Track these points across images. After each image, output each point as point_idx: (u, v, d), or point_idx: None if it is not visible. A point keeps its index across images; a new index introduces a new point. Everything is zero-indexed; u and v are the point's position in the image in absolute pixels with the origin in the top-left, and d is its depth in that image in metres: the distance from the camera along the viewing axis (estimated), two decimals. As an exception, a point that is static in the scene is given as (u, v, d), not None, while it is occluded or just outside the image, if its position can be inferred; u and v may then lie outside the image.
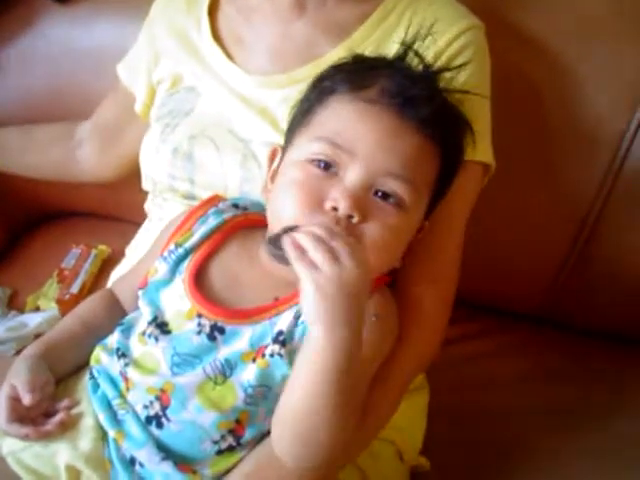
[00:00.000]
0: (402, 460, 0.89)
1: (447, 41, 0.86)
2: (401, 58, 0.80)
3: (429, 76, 0.79)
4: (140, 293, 0.78)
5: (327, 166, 0.71)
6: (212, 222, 0.80)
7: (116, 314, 0.85)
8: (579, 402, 1.08)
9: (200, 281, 0.76)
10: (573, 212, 1.10)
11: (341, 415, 0.63)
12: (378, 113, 0.72)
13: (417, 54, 0.81)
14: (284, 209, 0.72)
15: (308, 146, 0.73)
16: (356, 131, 0.71)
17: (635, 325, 1.19)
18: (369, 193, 0.71)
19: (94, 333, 0.83)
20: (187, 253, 0.78)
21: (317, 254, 0.60)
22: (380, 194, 0.71)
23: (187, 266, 0.77)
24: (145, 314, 0.76)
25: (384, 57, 0.82)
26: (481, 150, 0.86)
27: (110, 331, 0.81)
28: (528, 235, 1.14)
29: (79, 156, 1.23)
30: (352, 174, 0.70)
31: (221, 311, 0.73)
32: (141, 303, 0.77)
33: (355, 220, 0.69)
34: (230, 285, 0.76)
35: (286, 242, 0.62)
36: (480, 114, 0.87)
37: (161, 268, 0.78)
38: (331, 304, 0.59)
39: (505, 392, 1.09)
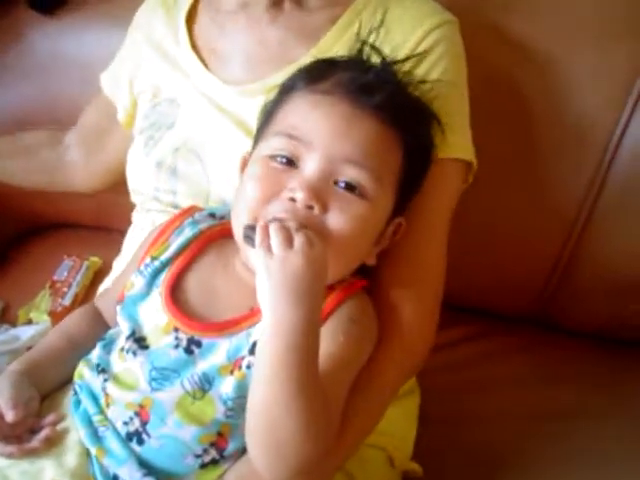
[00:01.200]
0: (393, 466, 0.88)
1: (417, 39, 0.85)
2: (358, 52, 0.80)
3: (385, 67, 0.79)
4: (118, 308, 0.77)
5: (288, 161, 0.71)
6: (188, 233, 0.80)
7: (100, 329, 0.84)
8: (573, 405, 1.07)
9: (176, 294, 0.75)
10: (562, 214, 1.09)
11: (306, 411, 0.61)
12: (332, 102, 0.72)
13: (373, 47, 0.81)
14: (243, 203, 0.72)
15: (268, 142, 0.74)
16: (312, 122, 0.72)
17: (626, 326, 1.18)
18: (329, 183, 0.70)
19: (78, 349, 0.83)
20: (163, 266, 0.78)
21: (273, 239, 0.63)
22: (341, 184, 0.70)
23: (163, 279, 0.77)
24: (124, 329, 0.76)
25: (343, 55, 0.82)
26: (459, 147, 0.85)
27: (94, 346, 0.80)
28: (517, 238, 1.13)
29: (67, 162, 1.22)
30: (310, 164, 0.70)
31: (197, 325, 0.73)
32: (119, 318, 0.77)
33: (316, 211, 0.68)
34: (206, 297, 0.76)
35: (257, 229, 0.65)
36: (454, 109, 0.86)
37: (137, 282, 0.77)
38: (275, 285, 0.61)
39: (498, 396, 1.09)
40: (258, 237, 0.64)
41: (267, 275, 0.61)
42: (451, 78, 0.85)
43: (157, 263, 0.78)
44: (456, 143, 0.84)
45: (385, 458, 0.87)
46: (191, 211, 0.84)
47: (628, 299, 1.14)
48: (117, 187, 1.20)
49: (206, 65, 0.94)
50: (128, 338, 0.74)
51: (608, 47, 1.02)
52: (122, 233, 1.12)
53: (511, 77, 1.04)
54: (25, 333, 1.15)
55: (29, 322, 1.21)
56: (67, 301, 1.24)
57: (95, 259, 1.34)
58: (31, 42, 1.32)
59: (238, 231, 0.72)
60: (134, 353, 0.73)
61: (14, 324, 1.20)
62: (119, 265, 1.01)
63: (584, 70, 1.02)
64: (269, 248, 0.63)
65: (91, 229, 1.45)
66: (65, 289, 1.26)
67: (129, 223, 1.07)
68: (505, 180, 1.08)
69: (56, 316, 1.20)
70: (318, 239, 0.64)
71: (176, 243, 0.79)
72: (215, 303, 0.75)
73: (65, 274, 1.30)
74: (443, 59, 0.85)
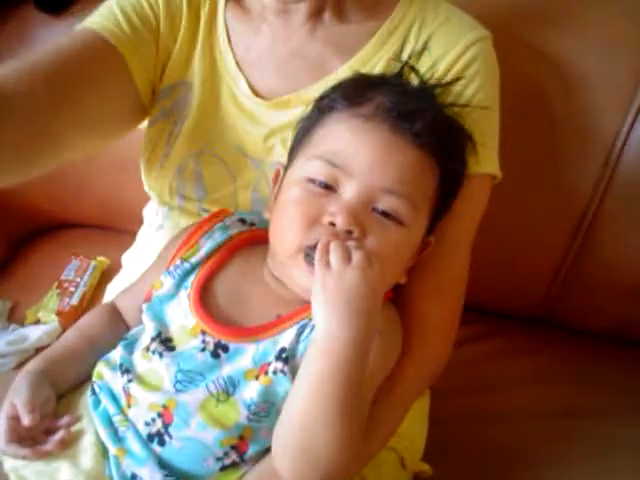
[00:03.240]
0: (404, 467, 0.88)
1: (455, 56, 0.85)
2: (398, 75, 0.81)
3: (424, 91, 0.80)
4: (144, 307, 0.77)
5: (325, 185, 0.72)
6: (218, 238, 0.80)
7: (118, 328, 0.85)
8: (581, 404, 1.08)
9: (205, 297, 0.76)
10: (568, 214, 1.10)
11: (344, 427, 0.62)
12: (373, 129, 0.72)
13: (413, 69, 0.81)
14: (283, 227, 0.73)
15: (306, 165, 0.74)
16: (352, 149, 0.72)
17: (633, 326, 1.19)
18: (367, 209, 0.71)
19: (96, 348, 0.83)
20: (193, 268, 0.78)
21: (332, 255, 0.64)
22: (379, 210, 0.71)
23: (192, 281, 0.77)
24: (149, 329, 0.76)
25: (382, 74, 0.82)
26: (487, 162, 0.86)
27: (112, 346, 0.80)
28: (525, 236, 1.14)
29: None
30: (349, 191, 0.71)
31: (225, 329, 0.73)
32: (145, 317, 0.77)
33: (355, 235, 0.69)
34: (234, 302, 0.76)
35: (318, 246, 0.66)
36: (486, 126, 0.86)
37: (166, 282, 0.78)
38: (330, 299, 0.62)
39: (506, 395, 1.09)
40: (318, 253, 0.65)
41: (323, 289, 0.63)
42: (486, 95, 0.86)
43: (187, 265, 0.78)
44: (485, 159, 0.85)
45: (396, 459, 0.88)
46: (221, 215, 0.84)
47: (635, 298, 1.14)
48: (124, 186, 1.21)
49: (238, 70, 0.91)
50: (154, 339, 0.75)
51: (616, 50, 1.03)
52: (129, 233, 1.13)
53: (522, 80, 1.04)
54: (33, 333, 1.15)
55: (37, 322, 1.20)
56: (75, 301, 1.24)
57: (102, 259, 1.34)
58: (38, 42, 1.32)
59: (284, 251, 0.73)
60: (160, 354, 0.74)
61: (22, 324, 1.20)
62: (132, 263, 1.00)
63: (594, 69, 1.04)
64: (327, 264, 0.64)
65: (98, 229, 1.45)
66: (73, 289, 1.26)
67: (137, 222, 1.07)
68: (512, 178, 1.08)
69: (64, 316, 1.20)
70: (375, 259, 0.65)
71: (206, 247, 0.79)
72: (242, 309, 0.76)
73: (72, 274, 1.30)
74: (479, 76, 0.85)
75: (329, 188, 0.72)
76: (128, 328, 0.84)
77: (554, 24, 1.05)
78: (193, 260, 0.78)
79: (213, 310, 0.75)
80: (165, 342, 0.75)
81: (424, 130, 0.73)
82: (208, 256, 0.79)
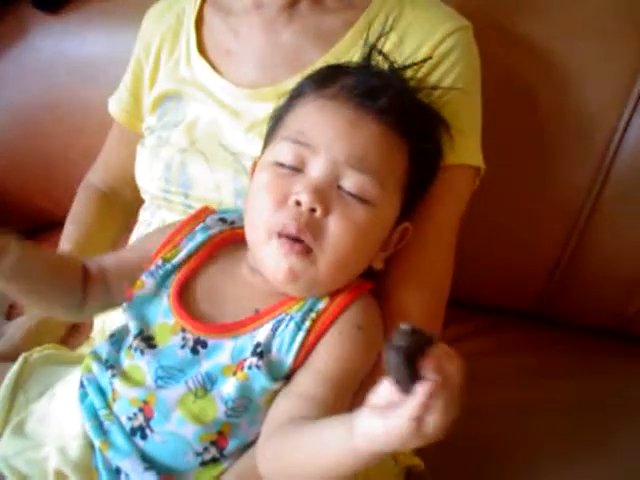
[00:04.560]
0: (396, 461, 0.88)
1: (432, 45, 0.86)
2: (366, 58, 0.81)
3: (394, 73, 0.80)
4: (124, 306, 0.78)
5: (293, 167, 0.72)
6: (199, 238, 0.80)
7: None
8: (577, 400, 1.08)
9: (184, 296, 0.77)
10: (565, 210, 1.11)
11: None
12: (337, 106, 0.73)
13: (380, 52, 0.81)
14: (254, 213, 0.74)
15: (274, 148, 0.75)
16: (317, 126, 0.73)
17: (631, 321, 1.18)
18: (332, 187, 0.71)
19: None
20: (174, 269, 0.79)
21: (438, 417, 0.50)
22: (345, 189, 0.71)
23: (173, 282, 0.78)
24: (131, 327, 0.77)
25: (354, 61, 0.83)
26: (468, 153, 0.86)
27: None
28: (521, 234, 1.15)
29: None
30: (314, 168, 0.72)
31: (203, 326, 0.74)
32: (126, 316, 0.78)
33: (318, 213, 0.70)
34: (213, 299, 0.77)
35: (424, 387, 0.49)
36: (466, 116, 0.86)
37: (148, 283, 0.78)
38: (411, 443, 0.51)
39: (502, 391, 1.09)
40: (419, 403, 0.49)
41: (416, 431, 0.50)
42: (464, 85, 0.86)
43: (168, 266, 0.78)
44: (466, 149, 0.85)
45: (389, 454, 0.86)
46: (203, 214, 0.84)
47: (633, 293, 1.14)
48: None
49: (215, 67, 0.95)
50: (136, 337, 0.75)
51: (611, 45, 1.03)
52: (128, 231, 1.13)
53: (516, 75, 1.05)
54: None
55: (35, 318, 1.21)
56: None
57: (100, 257, 1.34)
58: (34, 41, 1.33)
59: (256, 237, 0.73)
60: (141, 352, 0.74)
61: (20, 320, 1.21)
62: None
63: (587, 68, 1.04)
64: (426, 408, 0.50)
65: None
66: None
67: (134, 222, 1.07)
68: (508, 175, 1.09)
69: (61, 313, 1.20)
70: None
71: (187, 248, 0.80)
72: (221, 306, 0.76)
73: (70, 271, 1.30)
74: (457, 66, 0.86)
75: (296, 170, 0.72)
76: None
77: (547, 18, 1.05)
78: (174, 261, 0.79)
79: (192, 308, 0.75)
80: (147, 340, 0.75)
81: (389, 106, 0.73)
82: (188, 257, 0.79)
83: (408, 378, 0.49)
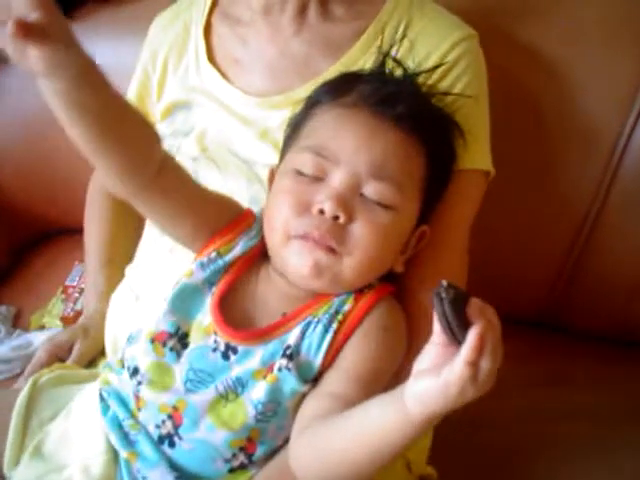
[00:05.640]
0: (410, 471, 0.88)
1: (441, 55, 0.87)
2: (380, 66, 0.82)
3: (407, 79, 0.81)
4: (171, 294, 0.76)
5: (314, 175, 0.73)
6: (254, 238, 0.78)
7: None
8: (582, 407, 1.08)
9: (225, 299, 0.76)
10: (570, 216, 1.11)
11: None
12: (355, 115, 0.75)
13: (395, 60, 0.83)
14: (274, 216, 0.74)
15: (295, 157, 0.76)
16: (336, 136, 0.74)
17: (636, 328, 1.19)
18: (355, 194, 0.72)
19: None
20: (225, 265, 0.77)
21: (489, 359, 0.53)
22: (366, 197, 0.72)
23: (220, 282, 0.76)
24: (164, 321, 0.75)
25: (368, 69, 0.84)
26: (479, 158, 0.87)
27: None
28: (526, 240, 1.15)
29: None
30: (336, 177, 0.73)
31: (233, 332, 0.73)
32: (166, 307, 0.75)
33: (342, 220, 0.71)
34: (248, 304, 0.76)
35: (474, 331, 0.53)
36: (476, 121, 0.88)
37: (197, 274, 0.76)
38: (456, 405, 0.54)
39: (508, 398, 1.07)
40: (473, 346, 0.52)
41: (464, 388, 0.53)
42: (473, 91, 0.87)
43: (220, 262, 0.76)
44: (477, 154, 0.86)
45: (403, 463, 0.88)
46: (251, 216, 0.81)
47: (638, 299, 1.15)
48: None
49: (225, 76, 0.95)
50: (172, 336, 0.74)
51: (616, 50, 1.04)
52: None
53: (522, 82, 1.06)
54: (38, 338, 1.15)
55: (42, 327, 1.21)
56: (79, 306, 1.24)
57: (106, 264, 1.34)
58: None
59: (276, 240, 0.74)
60: (177, 353, 0.73)
61: (27, 329, 1.21)
62: (132, 272, 1.00)
63: (592, 73, 1.04)
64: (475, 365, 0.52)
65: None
66: (77, 294, 1.27)
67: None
68: (513, 181, 1.09)
69: (68, 321, 1.20)
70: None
71: (241, 245, 0.78)
72: (253, 311, 0.76)
73: (77, 279, 1.30)
74: (466, 73, 0.87)
75: (318, 179, 0.73)
76: None
77: (550, 26, 1.05)
78: (227, 258, 0.77)
79: (228, 312, 0.75)
80: (182, 338, 0.74)
81: (405, 113, 0.74)
82: (241, 255, 0.77)
83: (459, 324, 0.54)
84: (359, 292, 0.75)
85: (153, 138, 0.73)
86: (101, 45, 1.28)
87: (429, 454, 0.93)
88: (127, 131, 0.70)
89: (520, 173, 1.09)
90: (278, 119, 0.88)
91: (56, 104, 0.64)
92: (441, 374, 0.53)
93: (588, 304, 1.19)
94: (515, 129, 1.05)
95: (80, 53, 0.62)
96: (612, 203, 1.07)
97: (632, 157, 1.05)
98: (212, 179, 0.90)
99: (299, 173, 0.74)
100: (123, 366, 0.77)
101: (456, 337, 0.54)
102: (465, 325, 0.53)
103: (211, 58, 0.97)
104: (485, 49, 0.93)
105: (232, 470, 0.71)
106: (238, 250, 0.78)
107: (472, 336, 0.52)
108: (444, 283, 0.55)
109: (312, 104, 0.80)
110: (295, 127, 0.81)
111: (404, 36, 0.86)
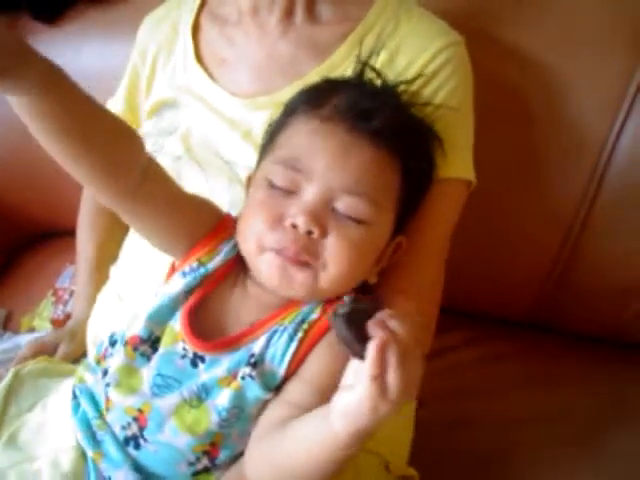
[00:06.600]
0: (389, 471, 0.88)
1: (426, 61, 0.86)
2: (359, 76, 0.82)
3: (385, 90, 0.80)
4: (149, 310, 0.76)
5: (287, 188, 0.73)
6: (234, 249, 0.78)
7: None
8: (573, 409, 1.08)
9: (197, 309, 0.75)
10: (559, 217, 1.10)
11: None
12: (330, 131, 0.73)
13: (373, 69, 0.82)
14: (248, 228, 0.74)
15: (269, 168, 0.75)
16: (310, 151, 0.73)
17: (627, 329, 1.19)
18: (327, 209, 0.72)
19: None
20: (206, 273, 0.76)
21: (396, 373, 0.53)
22: (339, 211, 0.72)
23: (195, 292, 0.76)
24: (137, 327, 0.75)
25: (345, 77, 0.83)
26: (460, 166, 0.87)
27: None
28: (515, 242, 1.15)
29: None
30: (309, 192, 0.72)
31: (199, 343, 0.73)
32: (144, 316, 0.75)
33: (315, 235, 0.70)
34: (218, 314, 0.76)
35: (372, 345, 0.53)
36: (458, 130, 0.87)
37: (177, 283, 0.76)
38: (374, 422, 0.55)
39: (497, 400, 1.09)
40: (372, 361, 0.53)
41: (377, 407, 0.54)
42: (457, 99, 0.87)
43: (202, 270, 0.76)
44: (457, 163, 0.86)
45: (379, 463, 0.87)
46: (232, 222, 0.81)
47: (629, 299, 1.14)
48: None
49: (212, 76, 0.95)
50: (145, 341, 0.74)
51: (604, 55, 1.03)
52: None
53: (508, 86, 1.05)
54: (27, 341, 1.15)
55: (32, 330, 1.22)
56: (69, 308, 1.25)
57: (97, 267, 1.34)
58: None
59: (250, 250, 0.74)
60: (147, 358, 0.74)
61: (17, 332, 1.22)
62: (116, 272, 1.01)
63: (580, 78, 1.04)
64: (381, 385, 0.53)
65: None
66: (67, 296, 1.28)
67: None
68: (502, 184, 1.09)
69: (58, 324, 1.21)
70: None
71: (224, 253, 0.77)
72: (225, 320, 0.76)
73: (67, 281, 1.31)
74: (450, 81, 0.86)
75: (290, 192, 0.73)
76: None
77: (538, 30, 1.05)
78: (209, 265, 0.76)
79: (200, 321, 0.74)
80: (154, 342, 0.74)
81: (382, 128, 0.73)
82: (222, 263, 0.77)
83: (356, 342, 0.53)
84: (328, 302, 0.74)
85: (135, 144, 0.73)
86: (91, 46, 1.30)
87: (411, 455, 0.92)
88: (104, 138, 0.69)
89: (509, 177, 1.09)
90: (262, 119, 0.88)
91: (25, 118, 0.64)
92: (354, 388, 0.53)
93: (577, 306, 1.19)
94: (502, 133, 1.05)
95: (36, 63, 0.62)
96: (600, 206, 1.07)
97: (619, 161, 1.04)
98: (194, 179, 0.90)
99: (272, 185, 0.74)
100: (99, 364, 0.78)
101: (357, 353, 0.54)
102: (367, 339, 0.53)
103: (199, 58, 0.98)
104: (473, 53, 0.92)
105: (196, 473, 0.72)
106: (220, 258, 0.77)
107: (370, 350, 0.52)
108: (346, 299, 0.55)
109: (289, 112, 0.80)
110: (272, 134, 0.81)
111: (383, 46, 0.85)
